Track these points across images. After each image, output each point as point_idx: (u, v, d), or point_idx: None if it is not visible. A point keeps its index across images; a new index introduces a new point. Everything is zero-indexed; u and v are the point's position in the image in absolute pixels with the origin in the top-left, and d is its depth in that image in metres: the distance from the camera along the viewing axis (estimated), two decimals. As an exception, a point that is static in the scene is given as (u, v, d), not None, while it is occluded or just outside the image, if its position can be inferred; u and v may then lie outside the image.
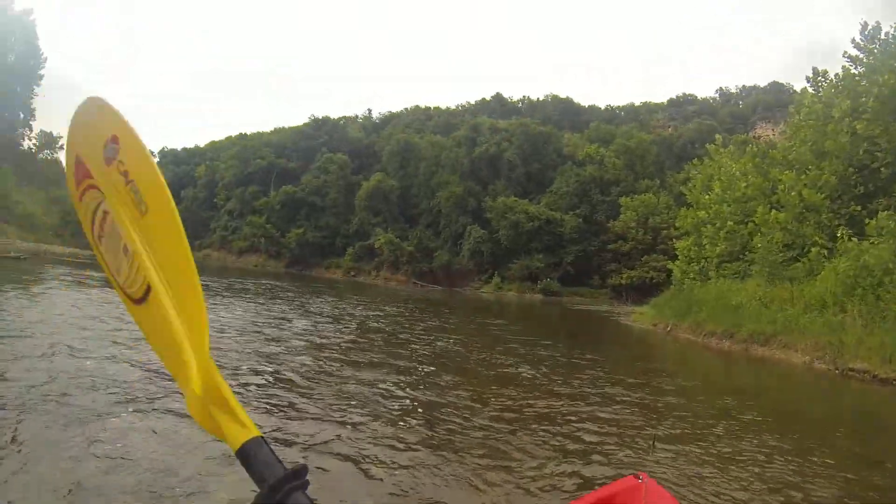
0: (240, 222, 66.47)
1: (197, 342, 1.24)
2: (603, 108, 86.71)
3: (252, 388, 7.61)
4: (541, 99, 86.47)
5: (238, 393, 6.44)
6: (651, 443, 6.82)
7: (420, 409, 7.19)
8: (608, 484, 3.47)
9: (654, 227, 46.57)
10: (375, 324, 18.20)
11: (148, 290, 1.36)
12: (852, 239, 15.74)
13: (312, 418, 6.31)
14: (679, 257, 28.40)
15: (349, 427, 6.03)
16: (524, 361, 12.29)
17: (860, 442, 7.73)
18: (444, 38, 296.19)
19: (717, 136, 32.80)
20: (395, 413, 6.95)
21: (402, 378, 9.16)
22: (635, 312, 29.76)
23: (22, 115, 63.77)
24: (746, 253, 21.91)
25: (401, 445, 5.56)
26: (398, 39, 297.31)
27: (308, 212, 63.03)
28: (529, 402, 8.28)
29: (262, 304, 20.54)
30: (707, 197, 26.48)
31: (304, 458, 4.89)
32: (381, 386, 8.53)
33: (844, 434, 8.15)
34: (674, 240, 35.77)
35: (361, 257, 56.94)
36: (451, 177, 56.59)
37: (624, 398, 9.03)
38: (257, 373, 8.65)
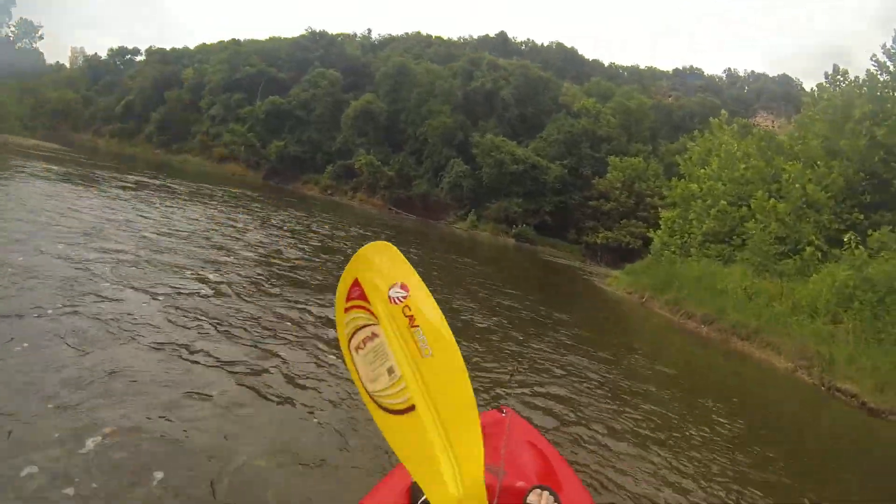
0: (222, 129, 64.18)
1: (474, 459, 2.01)
2: (607, 64, 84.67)
3: (178, 296, 7.66)
4: (545, 45, 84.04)
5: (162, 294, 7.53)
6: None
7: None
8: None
9: (638, 192, 45.70)
10: (334, 244, 18.14)
11: (411, 407, 2.08)
12: (860, 247, 14.66)
13: (228, 337, 6.40)
14: (662, 227, 27.37)
15: (262, 352, 6.14)
16: (483, 309, 11.94)
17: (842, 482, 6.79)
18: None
19: (723, 111, 31.51)
20: (314, 343, 6.87)
21: (325, 310, 8.54)
22: (610, 276, 28.78)
23: (1, 2, 61.10)
24: (734, 237, 21.03)
25: (302, 380, 5.63)
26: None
27: (293, 125, 61.14)
28: (475, 360, 7.75)
29: (223, 211, 20.49)
30: (702, 171, 25.51)
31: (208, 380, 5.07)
32: (312, 310, 8.40)
33: (831, 468, 7.23)
34: (659, 209, 35.59)
35: (340, 176, 55.77)
36: (443, 107, 55.16)
37: (589, 373, 8.58)
38: (187, 279, 8.74)
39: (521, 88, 57.15)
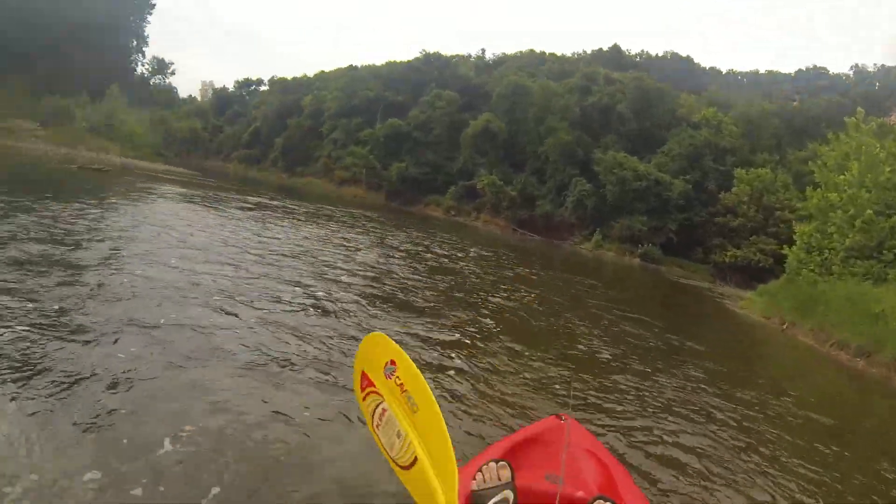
0: (343, 153, 67.18)
1: (450, 491, 2.31)
2: (724, 71, 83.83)
3: (280, 312, 7.77)
4: (659, 55, 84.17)
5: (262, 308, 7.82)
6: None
7: (450, 371, 6.65)
8: (532, 424, 3.72)
9: (767, 206, 43.84)
10: (451, 265, 17.74)
11: (415, 461, 2.50)
12: None
13: (325, 358, 6.25)
14: (797, 243, 25.65)
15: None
16: (604, 336, 11.19)
17: None
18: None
19: (859, 109, 28.85)
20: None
21: (447, 330, 8.54)
22: (743, 298, 26.98)
23: (135, 42, 66.57)
24: (884, 251, 20.01)
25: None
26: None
27: (412, 146, 63.03)
28: (592, 399, 6.88)
29: (338, 231, 20.74)
30: (841, 178, 23.68)
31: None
32: (418, 332, 8.12)
33: None
34: (791, 223, 34.16)
35: (463, 197, 56.73)
36: (561, 124, 55.11)
37: (725, 419, 7.36)
38: (292, 297, 8.86)
39: (638, 102, 56.51)
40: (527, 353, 8.16)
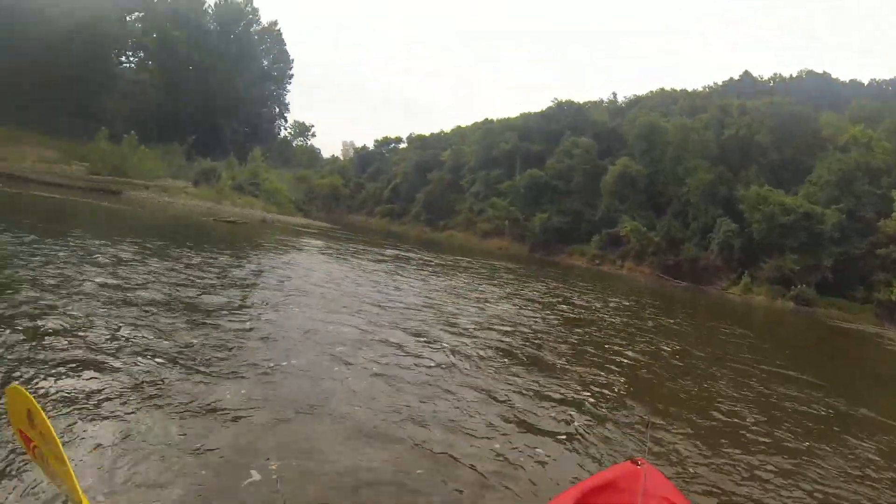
0: (484, 205, 69.97)
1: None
2: (866, 82, 79.17)
3: (396, 367, 7.52)
4: (793, 76, 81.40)
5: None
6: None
7: (561, 436, 6.06)
8: (608, 468, 3.70)
9: None
10: (589, 316, 16.52)
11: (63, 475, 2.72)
12: None
13: (438, 411, 6.11)
14: None
15: (461, 434, 5.59)
16: (751, 399, 9.27)
17: None
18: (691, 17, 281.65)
19: None
20: (524, 431, 6.04)
21: (571, 388, 7.87)
22: None
23: (277, 110, 72.95)
24: None
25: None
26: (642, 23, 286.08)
27: (552, 196, 64.56)
28: (733, 481, 5.69)
29: (471, 282, 20.42)
30: None
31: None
32: (540, 390, 7.55)
33: None
34: None
35: (606, 245, 57.22)
36: (700, 162, 54.61)
37: None
38: (414, 348, 8.67)
39: (777, 129, 54.51)
40: (654, 422, 7.01)
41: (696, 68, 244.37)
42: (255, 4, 67.15)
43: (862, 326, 34.08)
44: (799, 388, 10.72)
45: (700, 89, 77.25)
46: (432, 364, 7.94)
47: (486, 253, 47.43)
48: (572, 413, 6.80)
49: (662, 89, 79.48)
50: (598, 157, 63.70)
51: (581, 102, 76.65)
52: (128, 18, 58.58)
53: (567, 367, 9.23)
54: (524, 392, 7.36)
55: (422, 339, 9.32)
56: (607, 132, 67.96)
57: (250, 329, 8.17)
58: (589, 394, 7.81)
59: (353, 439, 5.03)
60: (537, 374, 8.41)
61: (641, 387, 9.00)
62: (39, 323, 6.72)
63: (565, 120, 71.54)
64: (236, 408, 5.25)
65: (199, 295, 9.91)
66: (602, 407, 7.30)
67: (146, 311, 8.15)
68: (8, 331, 6.18)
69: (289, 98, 76.40)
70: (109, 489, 3.70)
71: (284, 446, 4.66)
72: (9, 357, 5.53)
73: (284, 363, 6.80)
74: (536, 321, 13.47)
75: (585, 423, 6.58)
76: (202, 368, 6.14)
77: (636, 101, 78.22)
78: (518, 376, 8.09)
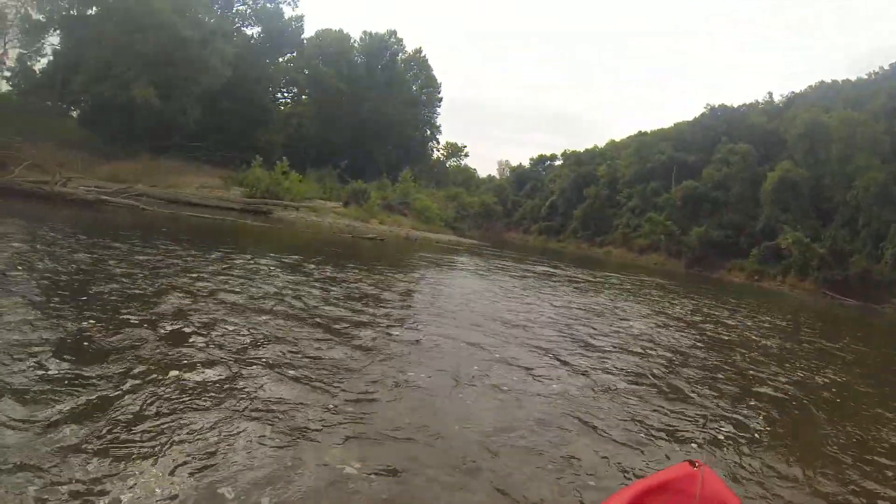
0: (640, 219, 68.59)
1: None
2: None
3: (520, 392, 7.00)
4: None
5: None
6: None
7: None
8: (663, 469, 3.51)
9: None
10: (737, 338, 14.69)
11: None
12: None
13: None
14: None
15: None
16: None
17: None
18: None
19: None
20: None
21: (694, 424, 6.80)
22: None
23: (429, 132, 75.67)
24: None
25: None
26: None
27: (711, 208, 62.27)
28: None
29: (615, 299, 19.25)
30: None
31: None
32: (660, 425, 6.59)
33: None
34: None
35: (767, 259, 54.13)
36: (870, 160, 49.74)
37: None
38: (535, 363, 8.35)
39: None
40: (786, 473, 5.70)
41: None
42: (399, 35, 69.79)
43: None
44: None
45: (864, 77, 70.39)
46: (552, 389, 7.37)
47: (640, 269, 46.45)
48: (690, 453, 5.85)
49: (822, 81, 72.83)
50: (758, 163, 60.59)
51: (735, 105, 73.25)
52: (280, 60, 63.12)
53: (697, 395, 8.19)
54: (641, 424, 6.51)
55: (549, 358, 8.92)
56: (766, 135, 64.10)
57: (374, 345, 8.06)
58: (710, 430, 6.72)
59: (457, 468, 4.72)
60: (658, 399, 7.64)
61: (780, 426, 7.50)
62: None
63: (721, 126, 68.63)
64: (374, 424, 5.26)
65: (331, 309, 9.97)
66: (725, 450, 6.17)
67: (268, 319, 8.49)
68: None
69: (440, 121, 78.33)
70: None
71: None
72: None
73: (399, 378, 6.72)
74: (675, 342, 12.42)
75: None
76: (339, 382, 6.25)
77: (795, 98, 72.30)
78: (640, 405, 7.27)
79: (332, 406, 5.49)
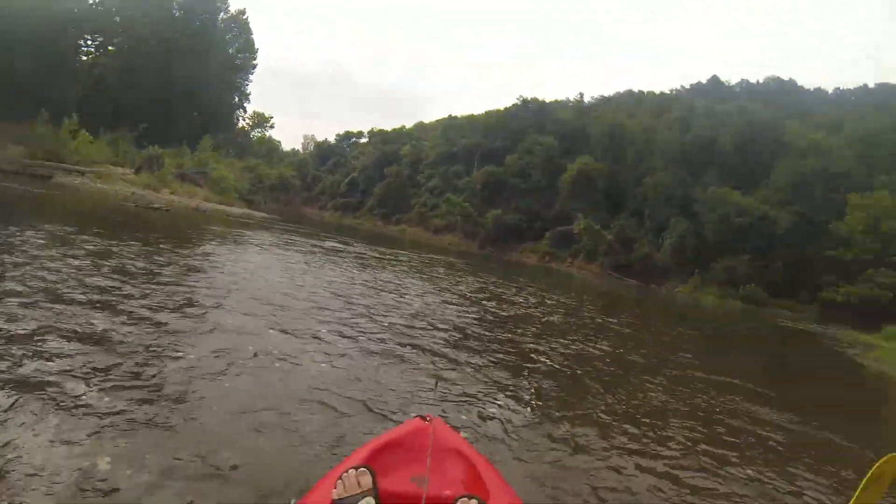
0: (439, 200, 68.81)
1: None
2: (831, 91, 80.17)
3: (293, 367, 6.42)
4: (760, 81, 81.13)
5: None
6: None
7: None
8: (398, 426, 3.57)
9: (886, 233, 40.02)
10: (521, 313, 14.78)
11: None
12: None
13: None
14: None
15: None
16: (689, 412, 7.76)
17: None
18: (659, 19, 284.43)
19: None
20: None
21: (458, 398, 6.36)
22: (879, 348, 21.86)
23: (237, 99, 71.21)
24: None
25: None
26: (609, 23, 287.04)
27: (509, 194, 63.54)
28: None
29: (397, 275, 18.52)
30: None
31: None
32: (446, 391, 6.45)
33: None
34: None
35: (559, 243, 56.09)
36: (661, 163, 54.46)
37: None
38: (307, 341, 7.60)
39: (740, 133, 54.64)
40: (549, 432, 5.87)
41: (668, 73, 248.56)
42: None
43: (808, 326, 33.92)
44: (745, 398, 9.14)
45: (667, 91, 76.75)
46: (320, 368, 6.63)
47: (434, 248, 45.74)
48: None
49: (630, 90, 79.09)
50: (559, 156, 62.66)
51: (546, 101, 76.02)
52: (90, 2, 56.73)
53: (473, 371, 7.71)
54: (401, 396, 6.12)
55: (323, 332, 8.20)
56: (572, 131, 66.57)
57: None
58: (494, 403, 6.45)
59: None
60: (422, 377, 6.95)
61: (553, 394, 7.48)
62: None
63: (529, 118, 70.67)
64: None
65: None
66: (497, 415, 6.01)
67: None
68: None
69: (251, 88, 74.24)
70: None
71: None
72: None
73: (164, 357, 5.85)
74: (458, 318, 11.94)
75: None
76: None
77: (603, 102, 77.18)
78: (404, 379, 6.76)
79: (83, 393, 4.68)
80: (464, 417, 5.68)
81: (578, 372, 8.84)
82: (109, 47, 58.98)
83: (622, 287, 41.72)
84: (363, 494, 2.59)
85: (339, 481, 2.66)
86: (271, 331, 7.82)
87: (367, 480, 2.66)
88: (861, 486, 2.93)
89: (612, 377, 9.03)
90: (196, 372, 5.56)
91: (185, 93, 59.28)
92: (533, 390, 7.22)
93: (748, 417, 8.05)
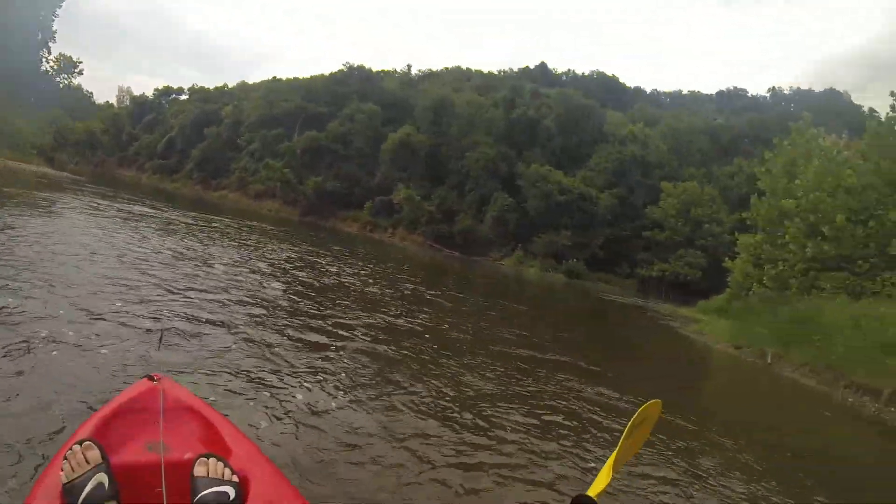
0: (259, 166, 61.59)
1: None
2: (649, 91, 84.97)
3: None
4: (586, 74, 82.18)
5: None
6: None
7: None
8: (124, 390, 3.19)
9: (695, 219, 42.75)
10: (332, 283, 13.83)
11: None
12: None
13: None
14: (741, 255, 22.92)
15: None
16: (509, 395, 6.77)
17: None
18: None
19: (805, 113, 26.85)
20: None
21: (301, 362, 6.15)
22: (699, 321, 22.17)
23: (41, 36, 60.03)
24: (859, 262, 16.13)
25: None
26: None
27: (331, 161, 57.82)
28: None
29: (210, 244, 16.58)
30: (797, 182, 19.96)
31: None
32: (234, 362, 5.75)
33: None
34: (723, 235, 37.50)
35: (380, 212, 51.98)
36: (485, 138, 51.87)
37: None
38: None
39: (564, 117, 53.77)
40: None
41: (498, 56, 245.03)
42: None
43: (627, 299, 34.76)
44: (574, 375, 8.38)
45: (496, 72, 75.01)
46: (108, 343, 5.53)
47: (253, 215, 41.50)
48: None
49: (458, 66, 76.65)
50: (383, 125, 58.23)
51: (374, 70, 71.30)
52: None
53: (273, 349, 6.52)
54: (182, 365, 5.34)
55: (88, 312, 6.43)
56: (397, 102, 62.54)
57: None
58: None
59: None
60: (217, 346, 6.17)
61: (364, 376, 6.25)
62: None
63: (354, 85, 65.63)
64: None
65: None
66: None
67: None
68: None
69: (57, 25, 63.35)
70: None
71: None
72: None
73: None
74: (263, 287, 10.79)
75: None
76: None
77: (430, 75, 73.99)
78: (184, 348, 5.87)
79: None
80: (260, 409, 4.69)
81: (394, 349, 7.79)
82: None
83: (444, 258, 40.45)
84: (93, 471, 2.15)
85: (65, 461, 2.19)
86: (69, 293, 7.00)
87: (94, 455, 2.22)
88: (625, 431, 2.39)
89: (431, 355, 8.00)
90: None
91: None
92: (342, 372, 6.23)
93: (579, 400, 7.16)
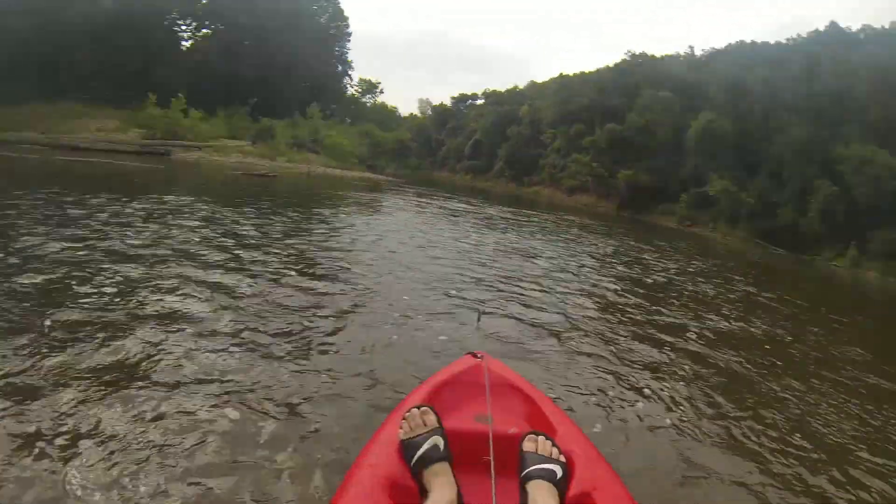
0: (566, 161, 65.17)
1: None
2: None
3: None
4: (885, 27, 66.70)
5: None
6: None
7: None
8: (449, 364, 3.36)
9: None
10: (661, 280, 13.37)
11: None
12: None
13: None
14: None
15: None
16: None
17: None
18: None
19: None
20: None
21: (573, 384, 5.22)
22: None
23: (340, 68, 70.77)
24: None
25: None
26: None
27: (637, 153, 58.53)
28: None
29: (529, 238, 17.61)
30: None
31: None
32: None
33: None
34: None
35: (697, 206, 51.24)
36: (790, 119, 47.85)
37: None
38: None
39: (877, 84, 46.31)
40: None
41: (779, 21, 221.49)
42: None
43: None
44: None
45: (784, 41, 69.06)
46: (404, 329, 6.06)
47: (569, 209, 43.79)
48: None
49: (742, 41, 71.22)
50: (682, 112, 57.18)
51: (657, 56, 70.77)
52: None
53: (590, 336, 6.93)
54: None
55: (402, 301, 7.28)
56: (687, 87, 60.84)
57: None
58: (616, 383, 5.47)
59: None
60: (552, 351, 6.05)
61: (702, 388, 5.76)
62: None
63: (640, 73, 65.45)
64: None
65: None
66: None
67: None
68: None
69: (352, 56, 73.54)
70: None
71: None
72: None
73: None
74: (590, 282, 11.10)
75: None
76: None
77: (716, 55, 70.46)
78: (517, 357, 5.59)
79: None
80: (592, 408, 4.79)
81: (734, 361, 6.99)
82: (204, 30, 61.19)
83: (769, 257, 36.37)
84: (430, 433, 2.43)
85: (404, 421, 2.50)
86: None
87: (431, 419, 2.50)
88: None
89: (774, 373, 6.85)
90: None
91: (285, 67, 59.73)
92: (679, 382, 5.83)
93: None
